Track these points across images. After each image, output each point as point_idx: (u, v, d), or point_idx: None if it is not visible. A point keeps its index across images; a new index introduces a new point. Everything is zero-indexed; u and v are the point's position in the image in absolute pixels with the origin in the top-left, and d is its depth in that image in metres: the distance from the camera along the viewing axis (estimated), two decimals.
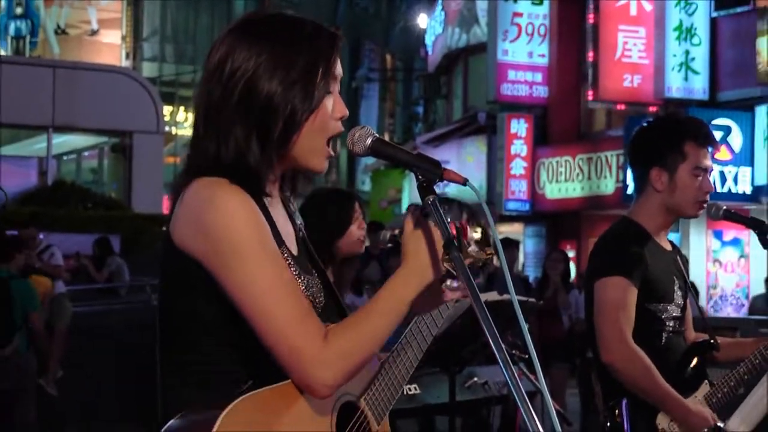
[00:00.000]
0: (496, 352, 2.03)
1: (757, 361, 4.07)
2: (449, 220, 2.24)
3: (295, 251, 2.41)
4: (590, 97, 19.69)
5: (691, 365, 4.09)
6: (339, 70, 2.39)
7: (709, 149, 4.14)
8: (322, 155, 2.37)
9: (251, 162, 2.28)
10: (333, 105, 2.36)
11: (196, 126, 2.36)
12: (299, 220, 2.52)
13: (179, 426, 2.18)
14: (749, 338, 4.80)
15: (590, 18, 19.85)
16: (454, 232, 2.24)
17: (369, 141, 2.31)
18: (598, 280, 4.04)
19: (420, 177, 2.24)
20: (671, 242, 4.31)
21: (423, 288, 2.30)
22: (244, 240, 2.19)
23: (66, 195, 20.56)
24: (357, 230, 4.83)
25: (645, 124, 4.32)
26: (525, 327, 2.05)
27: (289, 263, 2.33)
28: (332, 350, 2.19)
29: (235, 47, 2.31)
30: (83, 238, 16.48)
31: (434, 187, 2.24)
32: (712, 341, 4.16)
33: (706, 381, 4.09)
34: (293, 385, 2.21)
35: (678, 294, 4.14)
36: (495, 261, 2.44)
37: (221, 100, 2.29)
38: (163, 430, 2.19)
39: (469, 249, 2.30)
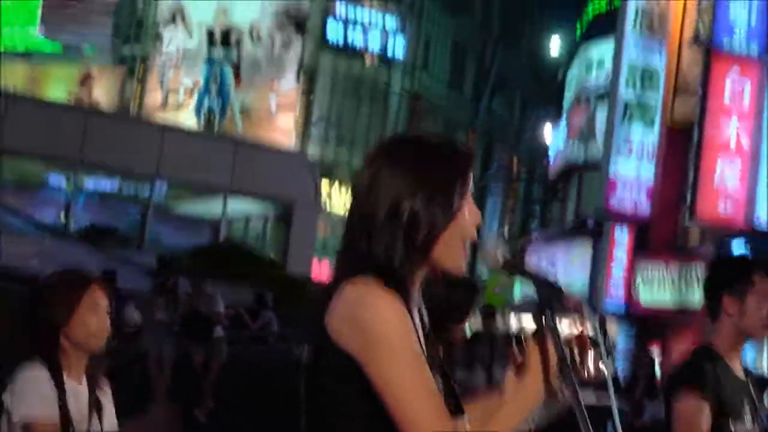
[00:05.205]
0: None
1: None
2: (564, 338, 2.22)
3: (425, 350, 2.34)
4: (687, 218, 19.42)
5: None
6: (471, 180, 2.38)
7: None
8: (460, 258, 2.34)
9: (397, 263, 2.25)
10: (469, 213, 2.34)
11: (348, 230, 2.34)
12: (423, 312, 2.47)
13: None
14: None
15: (694, 147, 19.59)
16: (568, 352, 2.22)
17: (500, 260, 2.33)
18: (676, 394, 4.07)
19: (541, 300, 2.24)
20: (745, 369, 4.28)
21: (533, 407, 2.28)
22: (395, 340, 2.15)
23: (233, 252, 21.01)
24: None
25: (718, 259, 4.34)
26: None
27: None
28: None
29: (381, 170, 2.30)
30: (243, 290, 16.81)
31: (553, 306, 2.22)
32: None
33: None
34: None
35: (748, 416, 4.12)
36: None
37: (372, 215, 2.28)
38: None
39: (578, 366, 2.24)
